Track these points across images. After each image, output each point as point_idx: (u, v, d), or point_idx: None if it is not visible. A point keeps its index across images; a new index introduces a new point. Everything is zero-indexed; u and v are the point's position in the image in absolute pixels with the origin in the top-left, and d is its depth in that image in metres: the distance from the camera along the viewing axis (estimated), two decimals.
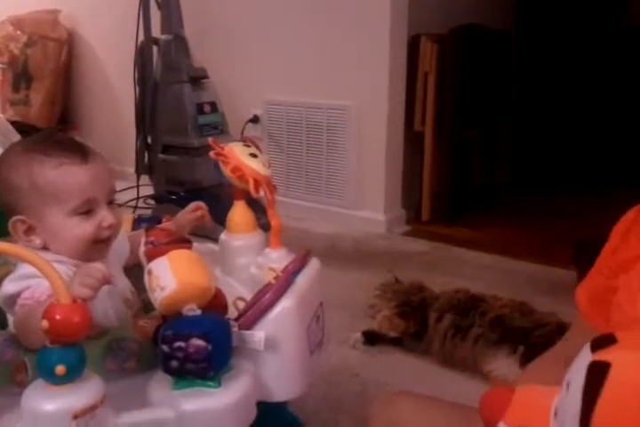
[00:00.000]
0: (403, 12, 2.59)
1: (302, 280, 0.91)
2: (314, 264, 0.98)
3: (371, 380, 1.62)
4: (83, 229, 0.90)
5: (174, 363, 0.76)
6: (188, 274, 0.78)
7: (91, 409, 0.69)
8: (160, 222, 1.24)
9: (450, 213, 2.82)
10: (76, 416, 0.68)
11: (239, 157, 1.02)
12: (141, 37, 2.70)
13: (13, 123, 3.87)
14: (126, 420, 0.73)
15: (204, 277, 0.79)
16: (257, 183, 1.02)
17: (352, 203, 2.78)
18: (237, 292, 1.02)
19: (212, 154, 1.04)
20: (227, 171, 1.02)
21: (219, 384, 0.78)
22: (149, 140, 2.77)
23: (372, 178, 2.72)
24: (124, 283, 1.00)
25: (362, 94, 2.66)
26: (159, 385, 0.78)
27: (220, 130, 2.69)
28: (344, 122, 2.72)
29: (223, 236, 1.15)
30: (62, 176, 0.89)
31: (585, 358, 0.59)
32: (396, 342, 1.76)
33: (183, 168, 2.69)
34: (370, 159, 2.71)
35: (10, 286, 0.87)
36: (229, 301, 0.90)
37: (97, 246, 0.93)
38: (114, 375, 0.83)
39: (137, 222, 1.28)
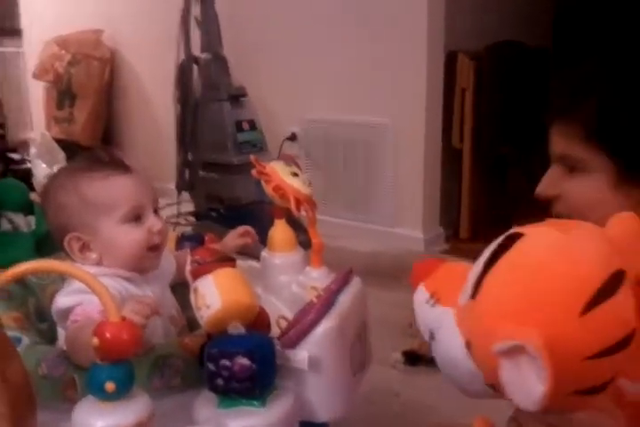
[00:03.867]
0: (439, 29, 2.60)
1: (344, 300, 0.91)
2: (356, 283, 0.98)
3: (411, 401, 1.61)
4: (135, 235, 0.93)
5: (219, 381, 0.76)
6: (232, 292, 0.79)
7: (139, 426, 0.70)
8: (203, 240, 1.26)
9: (489, 231, 2.79)
10: None
11: (281, 177, 1.03)
12: (182, 56, 2.76)
13: (59, 141, 3.98)
14: None
15: (249, 296, 0.80)
16: (298, 202, 1.03)
17: (390, 220, 2.77)
18: (279, 310, 1.03)
19: (254, 173, 1.05)
20: (269, 189, 1.03)
21: (263, 404, 0.78)
22: (190, 157, 2.81)
23: (410, 195, 2.72)
24: (170, 300, 1.01)
25: (399, 111, 2.67)
26: (205, 404, 0.79)
27: (258, 147, 2.72)
28: (381, 139, 2.73)
29: (264, 253, 1.16)
30: (109, 186, 0.93)
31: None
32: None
33: (223, 185, 2.72)
34: (408, 177, 2.71)
35: (63, 300, 0.89)
36: (272, 319, 0.90)
37: (149, 254, 0.96)
38: (160, 393, 0.84)
39: (180, 241, 1.30)
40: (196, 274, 0.82)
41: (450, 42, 2.64)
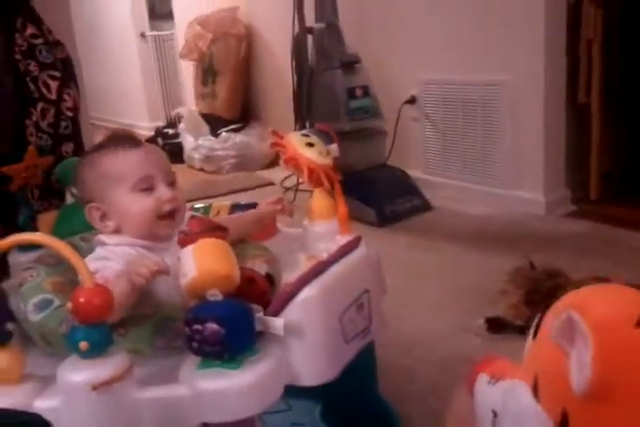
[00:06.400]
0: None
1: (338, 269, 0.92)
2: (360, 251, 0.98)
3: None
4: (145, 202, 1.01)
5: (194, 344, 0.81)
6: (208, 262, 0.82)
7: (109, 383, 0.77)
8: (254, 208, 1.32)
9: (622, 192, 2.58)
10: (94, 388, 0.77)
11: (295, 147, 1.05)
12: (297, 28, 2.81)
13: (203, 115, 4.23)
14: (145, 395, 0.80)
15: (225, 266, 0.83)
16: (311, 172, 1.04)
17: (509, 182, 2.65)
18: None
19: (270, 144, 1.08)
20: (283, 160, 1.06)
21: (238, 366, 0.82)
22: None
23: (530, 156, 2.57)
24: None
25: (517, 68, 2.52)
26: (188, 365, 0.84)
27: (371, 114, 2.72)
28: (500, 97, 2.60)
29: (305, 222, 1.19)
30: (119, 159, 1.02)
31: None
32: (523, 331, 1.67)
33: None
34: (528, 135, 2.56)
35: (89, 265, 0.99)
36: None
37: (161, 222, 1.02)
38: (165, 352, 0.92)
39: (233, 209, 1.37)
40: (182, 244, 0.87)
41: None
